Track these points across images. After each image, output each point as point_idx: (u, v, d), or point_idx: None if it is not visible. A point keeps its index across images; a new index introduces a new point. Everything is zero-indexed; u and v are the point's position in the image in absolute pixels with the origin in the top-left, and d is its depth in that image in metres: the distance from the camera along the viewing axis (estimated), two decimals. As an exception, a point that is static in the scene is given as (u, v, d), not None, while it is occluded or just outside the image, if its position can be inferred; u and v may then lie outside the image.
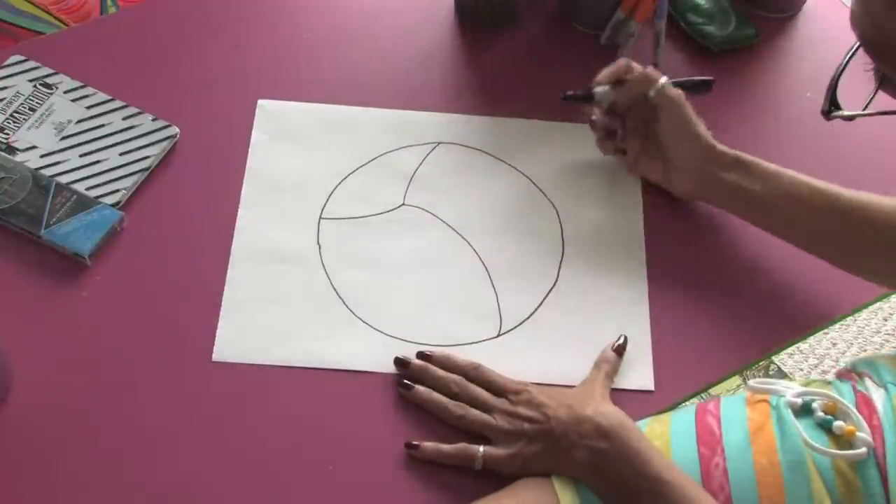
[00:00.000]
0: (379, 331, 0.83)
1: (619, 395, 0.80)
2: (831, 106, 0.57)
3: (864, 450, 0.71)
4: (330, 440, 0.77)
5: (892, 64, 0.51)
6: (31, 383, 0.78)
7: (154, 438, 0.76)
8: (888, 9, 0.47)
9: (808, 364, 1.68)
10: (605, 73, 0.89)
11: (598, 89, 0.89)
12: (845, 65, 0.56)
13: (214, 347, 0.81)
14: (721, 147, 0.86)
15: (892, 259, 0.82)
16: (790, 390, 0.76)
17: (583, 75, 1.01)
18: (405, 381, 0.79)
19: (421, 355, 0.80)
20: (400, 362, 0.80)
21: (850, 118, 0.56)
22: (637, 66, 0.87)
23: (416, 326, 0.83)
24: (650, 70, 0.86)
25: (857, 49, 0.53)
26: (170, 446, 0.76)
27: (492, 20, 1.03)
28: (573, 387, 0.80)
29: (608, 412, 0.73)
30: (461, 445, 0.75)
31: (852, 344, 1.72)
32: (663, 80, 0.86)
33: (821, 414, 0.74)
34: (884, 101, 0.56)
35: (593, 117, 0.91)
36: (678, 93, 0.86)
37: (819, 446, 0.71)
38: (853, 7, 0.50)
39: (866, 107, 0.55)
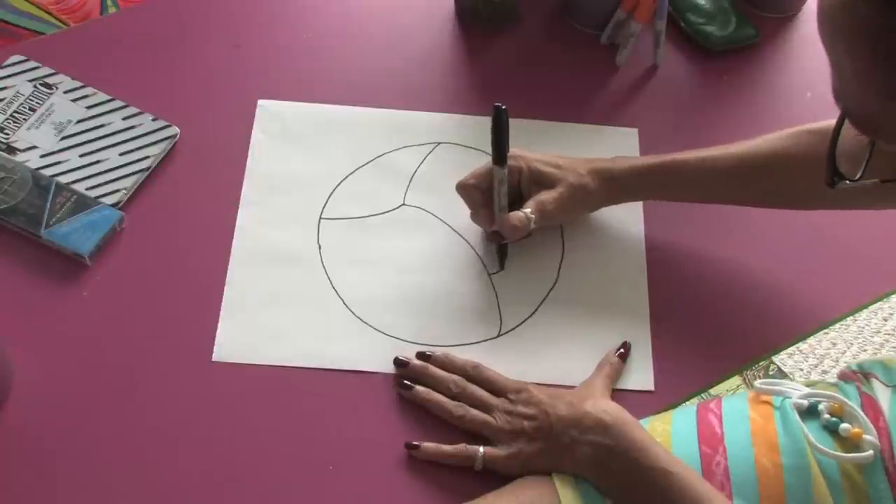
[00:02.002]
0: (379, 331, 0.83)
1: (620, 395, 0.80)
2: (834, 177, 0.57)
3: (870, 452, 0.71)
4: (330, 440, 0.77)
5: (880, 137, 0.51)
6: (31, 383, 0.78)
7: (154, 438, 0.76)
8: (862, 86, 0.47)
9: (808, 364, 1.68)
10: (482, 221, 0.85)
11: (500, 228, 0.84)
12: (836, 136, 0.57)
13: (214, 347, 0.81)
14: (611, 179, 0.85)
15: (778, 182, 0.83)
16: (796, 392, 0.76)
17: (583, 75, 1.01)
18: (405, 381, 0.79)
19: (420, 355, 0.80)
20: (399, 362, 0.80)
21: (856, 186, 0.56)
22: (506, 222, 0.82)
23: (416, 326, 0.83)
24: (514, 221, 0.81)
25: (845, 119, 0.53)
26: (170, 446, 0.76)
27: (492, 20, 1.03)
28: (574, 387, 0.80)
29: (608, 408, 0.73)
30: (461, 446, 0.75)
31: (852, 344, 1.72)
32: (529, 211, 0.82)
33: (827, 416, 0.74)
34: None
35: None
36: (547, 211, 0.83)
37: (825, 449, 0.71)
38: (833, 83, 0.50)
39: (864, 172, 0.56)
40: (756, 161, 0.83)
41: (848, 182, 0.57)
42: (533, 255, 0.88)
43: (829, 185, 0.58)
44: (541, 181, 0.84)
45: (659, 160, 0.84)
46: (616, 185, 0.85)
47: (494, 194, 0.83)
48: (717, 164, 0.83)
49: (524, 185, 0.85)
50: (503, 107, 0.81)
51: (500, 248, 0.87)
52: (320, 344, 0.82)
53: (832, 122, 0.71)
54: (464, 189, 0.84)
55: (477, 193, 0.84)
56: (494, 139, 0.82)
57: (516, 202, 0.84)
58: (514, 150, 0.84)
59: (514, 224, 0.82)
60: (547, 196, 0.83)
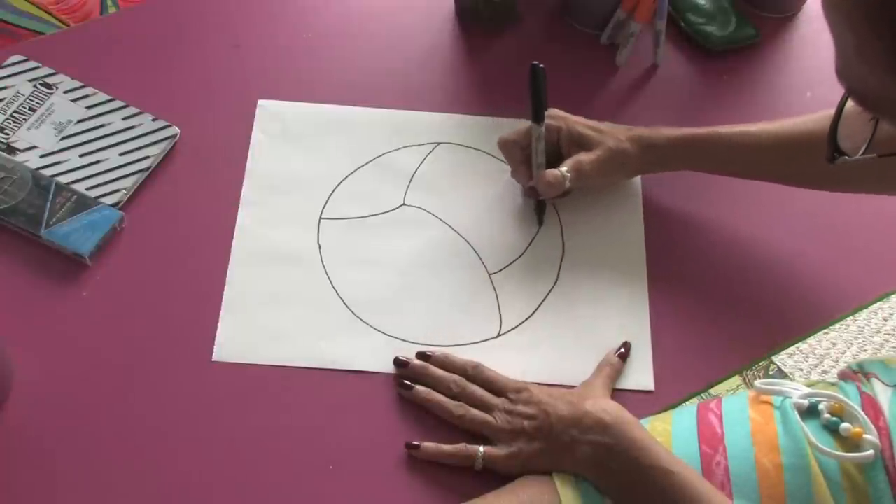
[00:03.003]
0: (379, 331, 0.83)
1: (620, 395, 0.80)
2: (834, 153, 0.58)
3: (871, 452, 0.71)
4: (330, 440, 0.77)
5: (882, 114, 0.52)
6: (31, 383, 0.78)
7: (154, 438, 0.76)
8: (864, 63, 0.48)
9: (808, 364, 1.68)
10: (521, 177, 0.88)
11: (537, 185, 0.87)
12: (840, 113, 0.58)
13: (214, 347, 0.81)
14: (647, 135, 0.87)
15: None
16: (796, 391, 0.76)
17: (583, 75, 1.01)
18: (405, 381, 0.79)
19: (420, 355, 0.80)
20: (399, 362, 0.80)
21: (855, 162, 0.58)
22: (542, 178, 0.85)
23: (416, 326, 0.83)
24: (549, 178, 0.84)
25: (848, 97, 0.54)
26: (170, 446, 0.76)
27: (492, 20, 1.03)
28: (574, 387, 0.80)
29: (608, 407, 0.73)
30: (461, 445, 0.75)
31: (852, 344, 1.72)
32: (565, 170, 0.84)
33: (827, 416, 0.74)
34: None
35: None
36: (584, 171, 0.85)
37: (826, 449, 0.71)
38: (836, 61, 0.51)
39: (867, 148, 0.57)
40: (792, 139, 0.84)
41: (847, 158, 0.58)
42: (533, 255, 0.88)
43: (829, 161, 0.59)
44: (580, 142, 0.87)
45: (698, 132, 0.86)
46: (655, 152, 0.86)
47: (532, 151, 0.86)
48: (753, 140, 0.85)
49: (563, 144, 0.87)
50: (540, 65, 0.84)
51: (538, 205, 0.89)
52: (320, 344, 0.82)
53: None
54: (504, 145, 0.88)
55: (517, 149, 0.87)
56: (532, 97, 0.84)
57: (558, 162, 0.86)
58: (556, 110, 0.87)
59: (550, 181, 0.84)
60: (585, 157, 0.86)
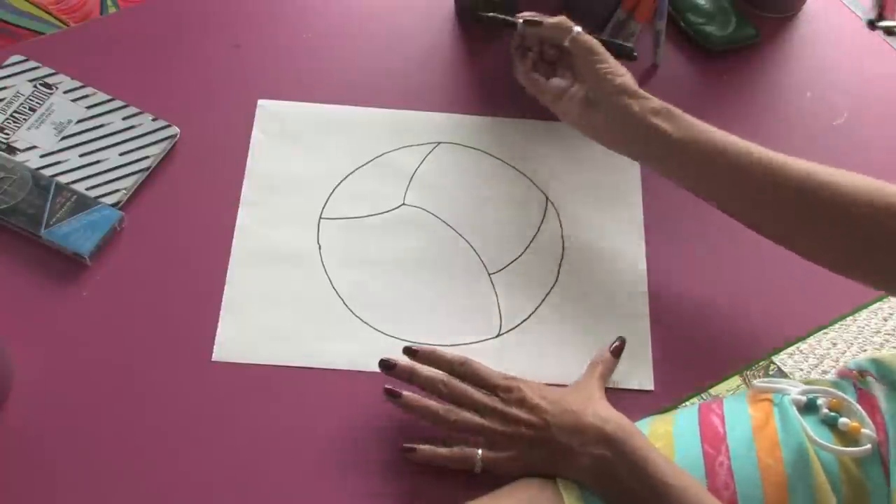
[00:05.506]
0: (379, 331, 0.83)
1: (619, 395, 0.80)
2: (879, 16, 0.57)
3: (868, 446, 0.71)
4: (330, 440, 0.77)
5: None
6: (31, 383, 0.78)
7: (154, 438, 0.76)
8: None
9: (808, 364, 1.68)
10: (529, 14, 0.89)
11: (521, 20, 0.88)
12: None
13: (214, 347, 0.81)
14: (646, 94, 0.81)
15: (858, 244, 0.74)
16: (794, 388, 0.76)
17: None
18: (391, 389, 0.76)
19: (407, 351, 0.78)
20: (385, 364, 0.77)
21: (892, 31, 0.56)
22: (549, 19, 0.86)
23: (416, 326, 0.83)
24: (563, 19, 0.85)
25: None
26: (169, 446, 0.76)
27: (492, 20, 1.03)
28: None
29: (609, 417, 0.72)
30: (458, 449, 0.75)
31: (852, 344, 1.72)
32: (577, 30, 0.83)
33: (825, 411, 0.74)
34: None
35: (515, 47, 0.90)
36: (592, 42, 0.82)
37: (824, 443, 0.71)
38: None
39: None
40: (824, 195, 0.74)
41: (887, 23, 0.56)
42: (533, 255, 0.88)
43: (870, 24, 0.57)
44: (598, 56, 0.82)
45: (732, 142, 0.77)
46: (665, 134, 0.79)
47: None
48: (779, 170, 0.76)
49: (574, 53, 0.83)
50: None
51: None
52: (320, 344, 0.82)
53: None
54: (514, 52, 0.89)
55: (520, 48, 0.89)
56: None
57: (561, 65, 0.87)
58: (564, 18, 0.85)
59: (559, 22, 0.84)
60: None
